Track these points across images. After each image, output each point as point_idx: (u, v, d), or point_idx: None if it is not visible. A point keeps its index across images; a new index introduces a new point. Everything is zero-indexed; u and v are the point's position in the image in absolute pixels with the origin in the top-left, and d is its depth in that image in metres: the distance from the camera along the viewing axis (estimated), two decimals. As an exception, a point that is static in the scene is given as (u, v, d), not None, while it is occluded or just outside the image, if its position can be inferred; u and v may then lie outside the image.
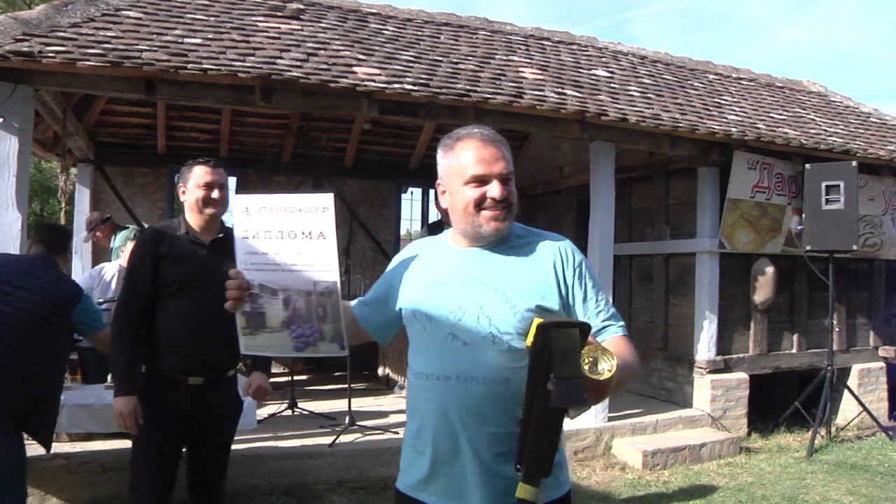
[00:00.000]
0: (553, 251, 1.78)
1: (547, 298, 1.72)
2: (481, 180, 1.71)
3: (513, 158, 1.76)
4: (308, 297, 1.77)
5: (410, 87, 4.89)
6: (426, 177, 8.92)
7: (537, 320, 1.47)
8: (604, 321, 1.76)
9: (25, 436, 2.90)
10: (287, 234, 1.78)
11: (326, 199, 1.75)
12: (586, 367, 1.39)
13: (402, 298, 1.86)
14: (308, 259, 1.77)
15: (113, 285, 5.29)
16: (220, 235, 2.97)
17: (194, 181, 2.93)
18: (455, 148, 1.78)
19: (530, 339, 1.48)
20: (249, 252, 1.80)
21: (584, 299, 1.76)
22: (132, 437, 2.92)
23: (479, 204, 1.72)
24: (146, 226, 6.59)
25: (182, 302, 2.84)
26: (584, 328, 1.46)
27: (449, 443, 1.69)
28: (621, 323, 1.80)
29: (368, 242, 8.67)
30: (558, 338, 1.41)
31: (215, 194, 2.94)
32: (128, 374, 2.80)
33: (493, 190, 1.70)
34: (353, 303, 2.01)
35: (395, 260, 2.00)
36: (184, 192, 2.98)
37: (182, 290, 2.84)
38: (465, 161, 1.74)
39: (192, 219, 2.97)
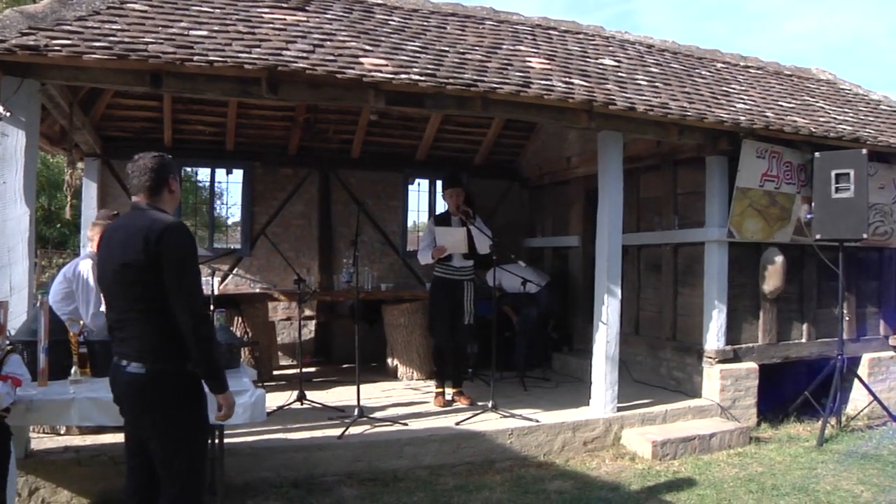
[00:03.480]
0: None
1: None
2: None
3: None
4: None
5: (417, 77, 4.87)
6: (433, 168, 8.90)
7: None
8: None
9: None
10: None
11: None
12: None
13: None
14: None
15: (92, 284, 4.68)
16: None
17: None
18: None
19: None
20: None
21: None
22: (193, 435, 2.93)
23: None
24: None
25: None
26: None
27: None
28: None
29: (376, 234, 8.65)
30: None
31: None
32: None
33: None
34: None
35: None
36: (173, 186, 3.00)
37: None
38: None
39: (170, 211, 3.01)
